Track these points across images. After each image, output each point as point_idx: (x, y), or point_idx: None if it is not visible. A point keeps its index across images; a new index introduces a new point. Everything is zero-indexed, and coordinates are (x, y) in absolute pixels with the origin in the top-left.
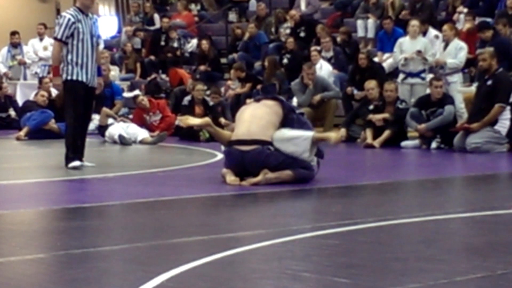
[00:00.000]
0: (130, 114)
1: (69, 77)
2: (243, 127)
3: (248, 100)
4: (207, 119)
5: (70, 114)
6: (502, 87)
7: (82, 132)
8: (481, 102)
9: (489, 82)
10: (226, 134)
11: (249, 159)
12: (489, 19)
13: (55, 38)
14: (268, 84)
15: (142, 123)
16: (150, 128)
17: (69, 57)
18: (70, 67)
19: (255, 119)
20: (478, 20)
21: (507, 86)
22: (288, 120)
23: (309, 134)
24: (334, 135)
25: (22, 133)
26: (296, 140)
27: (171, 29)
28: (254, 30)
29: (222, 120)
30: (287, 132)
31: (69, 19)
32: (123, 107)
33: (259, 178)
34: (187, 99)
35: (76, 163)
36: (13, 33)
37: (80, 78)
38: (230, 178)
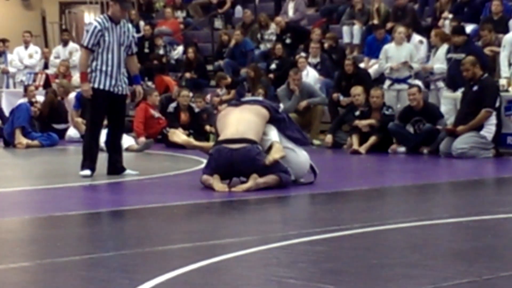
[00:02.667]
0: None
1: (90, 85)
2: (231, 129)
3: (222, 106)
4: (188, 140)
5: (88, 121)
6: (489, 92)
7: (117, 141)
8: (467, 108)
9: (475, 88)
10: (211, 144)
11: (238, 157)
12: (474, 25)
13: (82, 46)
14: (239, 88)
15: (150, 118)
16: (156, 124)
17: (94, 64)
18: (94, 74)
19: (242, 121)
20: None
21: (493, 91)
22: (276, 120)
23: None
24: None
25: (20, 138)
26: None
27: (154, 36)
28: (240, 37)
29: (208, 127)
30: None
31: (95, 27)
32: None
33: (249, 184)
34: (172, 106)
35: (87, 172)
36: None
37: (102, 86)
38: (218, 185)
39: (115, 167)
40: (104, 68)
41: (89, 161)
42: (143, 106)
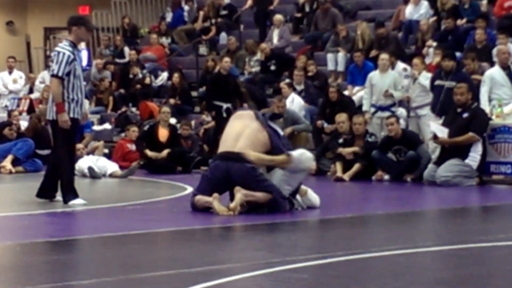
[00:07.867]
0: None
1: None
2: (228, 143)
3: (245, 106)
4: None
5: (63, 150)
6: (480, 120)
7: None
8: (456, 135)
9: (465, 115)
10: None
11: (234, 170)
12: (458, 53)
13: (55, 76)
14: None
15: (127, 153)
16: (133, 155)
17: (66, 94)
18: (66, 104)
19: (242, 138)
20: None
21: (484, 120)
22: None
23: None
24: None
25: (7, 163)
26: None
27: (139, 62)
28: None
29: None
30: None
31: (69, 56)
32: (93, 140)
33: (237, 198)
34: (148, 124)
35: (80, 201)
36: None
37: (76, 116)
38: (220, 208)
39: (50, 192)
40: (76, 97)
41: (74, 190)
42: (121, 143)
